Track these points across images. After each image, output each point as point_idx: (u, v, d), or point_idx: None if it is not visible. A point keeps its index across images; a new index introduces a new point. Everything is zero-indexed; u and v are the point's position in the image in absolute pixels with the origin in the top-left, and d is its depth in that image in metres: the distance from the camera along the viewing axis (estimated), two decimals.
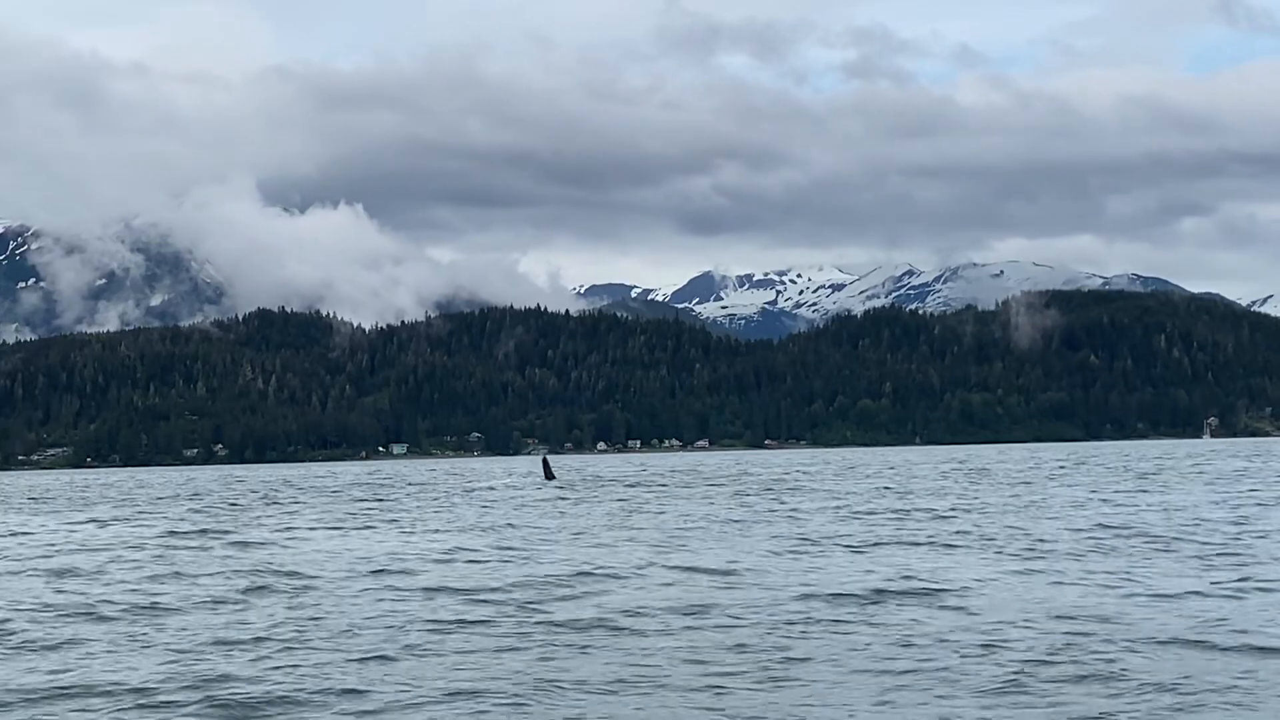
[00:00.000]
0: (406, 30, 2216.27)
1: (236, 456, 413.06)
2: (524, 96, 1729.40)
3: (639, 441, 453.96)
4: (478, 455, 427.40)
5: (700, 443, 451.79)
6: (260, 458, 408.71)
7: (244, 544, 55.69)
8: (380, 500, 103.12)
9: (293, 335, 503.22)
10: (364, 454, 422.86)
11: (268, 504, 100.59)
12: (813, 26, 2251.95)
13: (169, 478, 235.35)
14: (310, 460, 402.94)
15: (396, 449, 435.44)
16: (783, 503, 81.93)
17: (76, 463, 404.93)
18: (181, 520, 78.44)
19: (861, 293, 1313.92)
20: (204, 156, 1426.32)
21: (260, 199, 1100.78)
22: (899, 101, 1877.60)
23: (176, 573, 44.03)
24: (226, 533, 63.87)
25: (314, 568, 44.25)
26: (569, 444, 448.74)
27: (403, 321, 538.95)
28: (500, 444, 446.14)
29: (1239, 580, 35.90)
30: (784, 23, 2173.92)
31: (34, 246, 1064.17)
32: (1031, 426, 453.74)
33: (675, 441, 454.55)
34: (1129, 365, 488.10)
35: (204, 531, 65.13)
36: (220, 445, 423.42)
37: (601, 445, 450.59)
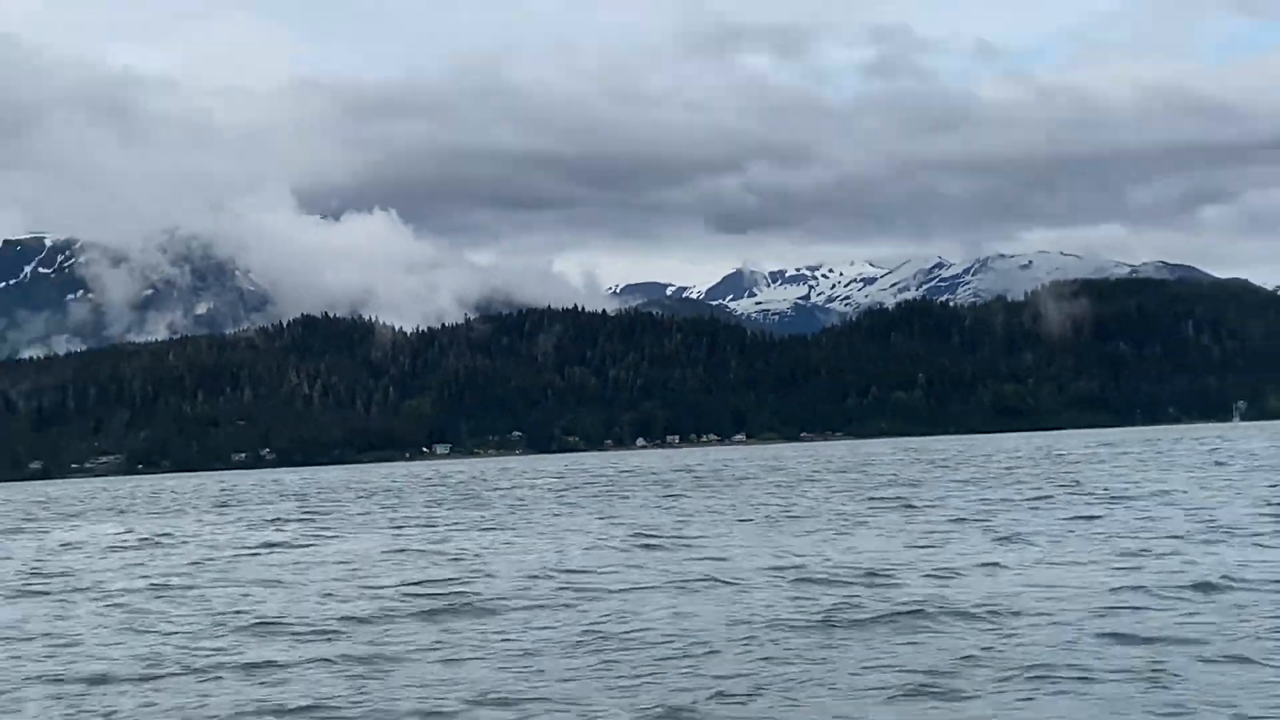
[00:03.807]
0: (431, 40, 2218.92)
1: (284, 461, 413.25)
2: (551, 101, 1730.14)
3: (678, 437, 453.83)
4: (519, 454, 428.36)
5: (738, 437, 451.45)
6: (307, 461, 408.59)
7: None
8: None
9: (336, 340, 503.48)
10: (408, 455, 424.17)
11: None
12: (833, 26, 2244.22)
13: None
14: (355, 463, 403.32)
15: (440, 449, 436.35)
16: None
17: (128, 470, 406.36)
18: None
19: (893, 285, 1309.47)
20: (239, 167, 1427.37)
21: (297, 207, 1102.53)
22: (922, 98, 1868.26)
23: None
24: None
25: None
26: (609, 441, 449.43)
27: (443, 324, 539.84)
28: (542, 443, 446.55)
29: None
30: (804, 23, 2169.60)
31: (81, 259, 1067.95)
32: (1064, 416, 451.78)
33: (713, 436, 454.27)
34: (1159, 353, 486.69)
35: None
36: (268, 450, 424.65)
37: (641, 441, 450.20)
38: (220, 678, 27.58)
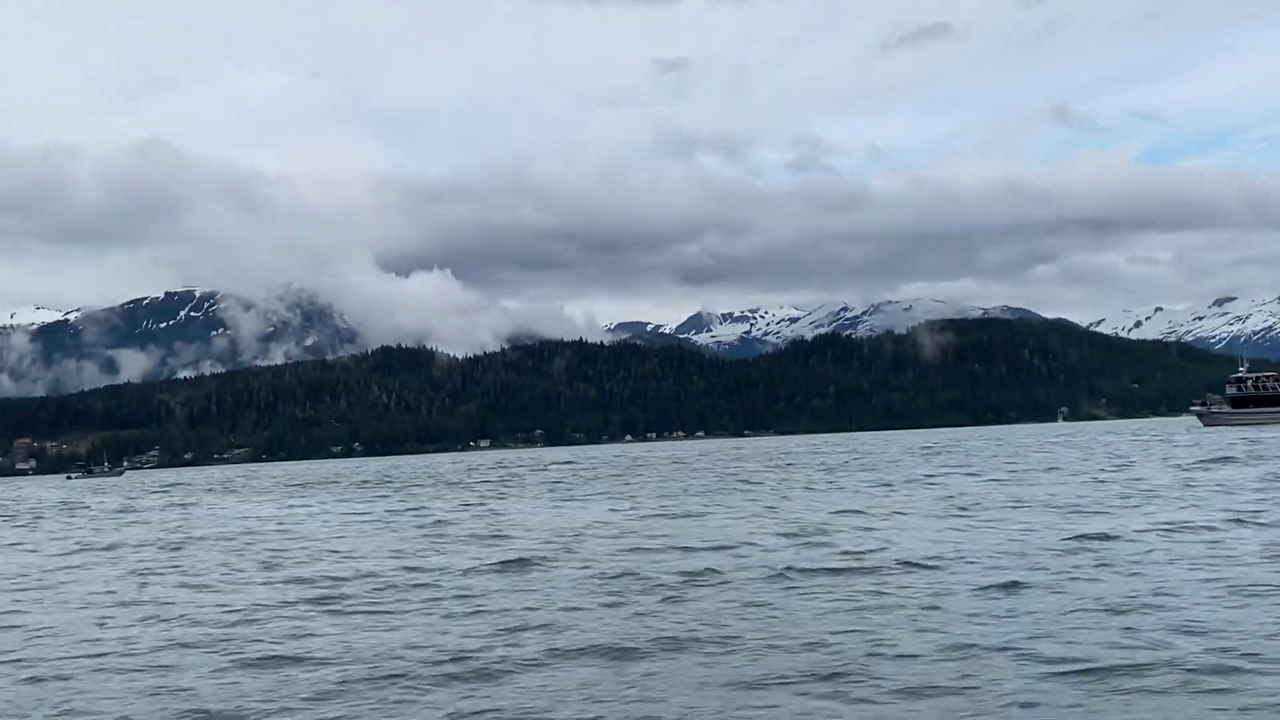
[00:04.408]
0: (474, 147, 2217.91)
1: (369, 451, 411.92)
2: (562, 190, 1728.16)
3: (655, 434, 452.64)
4: (539, 446, 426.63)
5: (698, 434, 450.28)
6: (386, 452, 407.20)
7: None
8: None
9: (406, 363, 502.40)
10: (459, 447, 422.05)
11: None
12: (764, 135, 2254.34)
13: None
14: (421, 453, 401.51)
15: (482, 443, 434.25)
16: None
17: (254, 458, 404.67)
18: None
19: (811, 324, 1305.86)
20: (336, 239, 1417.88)
21: (378, 267, 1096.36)
22: (829, 188, 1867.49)
23: None
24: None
25: None
26: (605, 436, 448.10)
27: (484, 352, 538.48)
28: (556, 438, 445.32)
29: None
30: (743, 134, 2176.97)
31: (221, 305, 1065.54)
32: (935, 416, 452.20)
33: (680, 433, 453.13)
34: (1003, 371, 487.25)
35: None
36: (358, 444, 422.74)
37: (628, 437, 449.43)
38: (317, 618, 26.04)
